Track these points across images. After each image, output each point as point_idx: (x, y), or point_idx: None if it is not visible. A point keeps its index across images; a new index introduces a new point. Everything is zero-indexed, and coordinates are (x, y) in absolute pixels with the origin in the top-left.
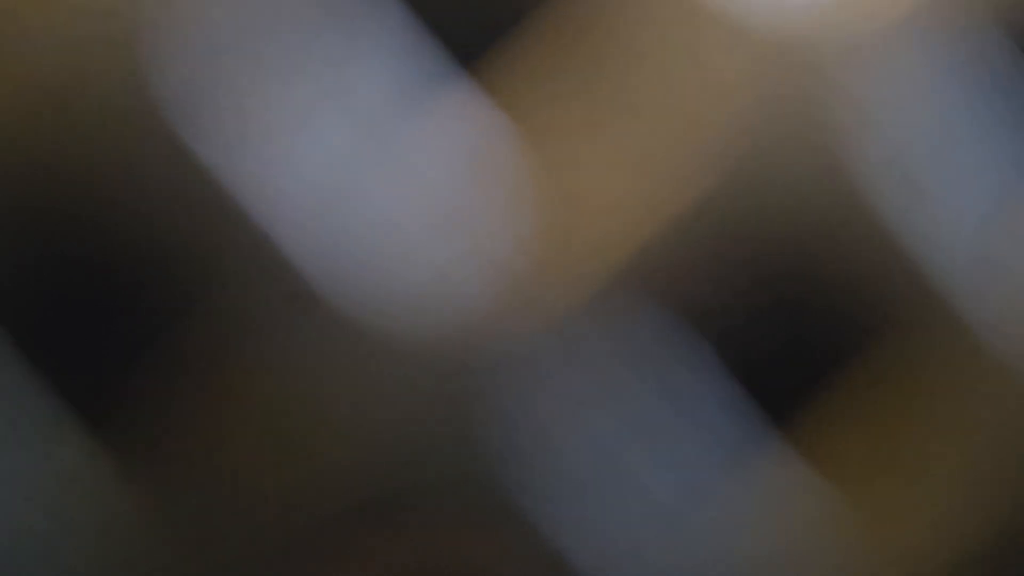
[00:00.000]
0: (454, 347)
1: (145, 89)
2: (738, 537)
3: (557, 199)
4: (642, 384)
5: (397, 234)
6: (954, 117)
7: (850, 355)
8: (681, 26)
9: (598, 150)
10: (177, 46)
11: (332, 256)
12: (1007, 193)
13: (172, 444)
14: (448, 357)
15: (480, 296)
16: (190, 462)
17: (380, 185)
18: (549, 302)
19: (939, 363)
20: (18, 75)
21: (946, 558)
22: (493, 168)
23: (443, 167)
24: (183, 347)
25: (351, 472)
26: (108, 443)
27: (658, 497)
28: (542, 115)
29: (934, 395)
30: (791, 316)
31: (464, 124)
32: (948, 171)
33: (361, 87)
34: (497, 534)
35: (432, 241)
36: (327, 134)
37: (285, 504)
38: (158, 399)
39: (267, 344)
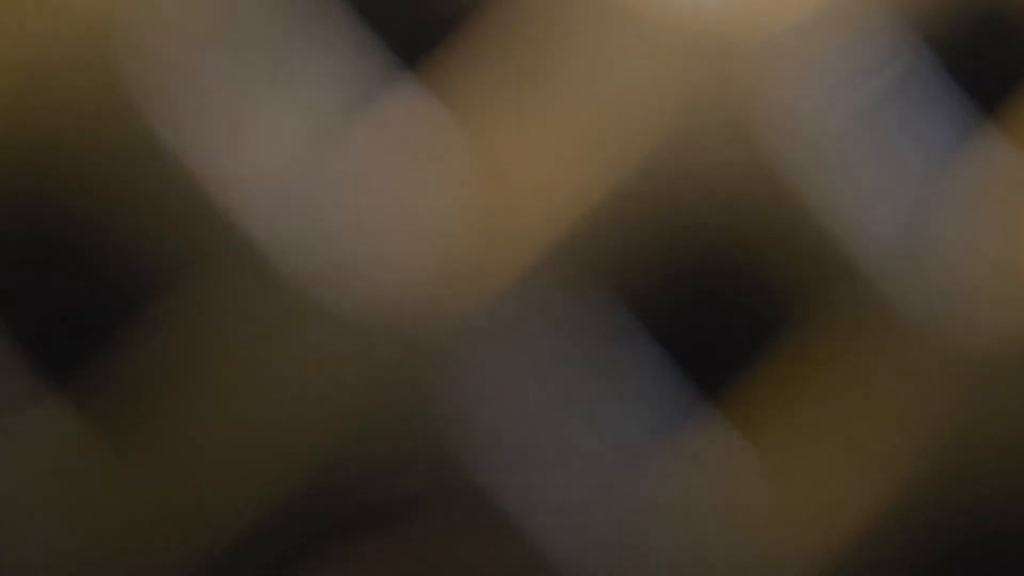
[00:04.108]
0: (399, 324)
1: (116, 83)
2: (672, 504)
3: (495, 185)
4: (578, 359)
5: (348, 220)
6: (870, 107)
7: (777, 330)
8: (612, 26)
9: (533, 139)
10: (146, 47)
11: (293, 240)
12: (924, 177)
13: (135, 416)
14: (393, 333)
15: (422, 276)
16: (157, 435)
17: (330, 175)
18: (489, 282)
19: (861, 338)
20: None
21: (868, 523)
22: (435, 157)
23: (388, 155)
24: (149, 322)
25: (307, 448)
26: (81, 411)
27: (594, 466)
28: (481, 107)
29: (857, 368)
30: (719, 293)
31: (408, 117)
32: (866, 157)
33: (309, 84)
34: (454, 506)
35: (379, 226)
36: (280, 128)
37: (246, 479)
38: (123, 375)
39: (232, 322)
